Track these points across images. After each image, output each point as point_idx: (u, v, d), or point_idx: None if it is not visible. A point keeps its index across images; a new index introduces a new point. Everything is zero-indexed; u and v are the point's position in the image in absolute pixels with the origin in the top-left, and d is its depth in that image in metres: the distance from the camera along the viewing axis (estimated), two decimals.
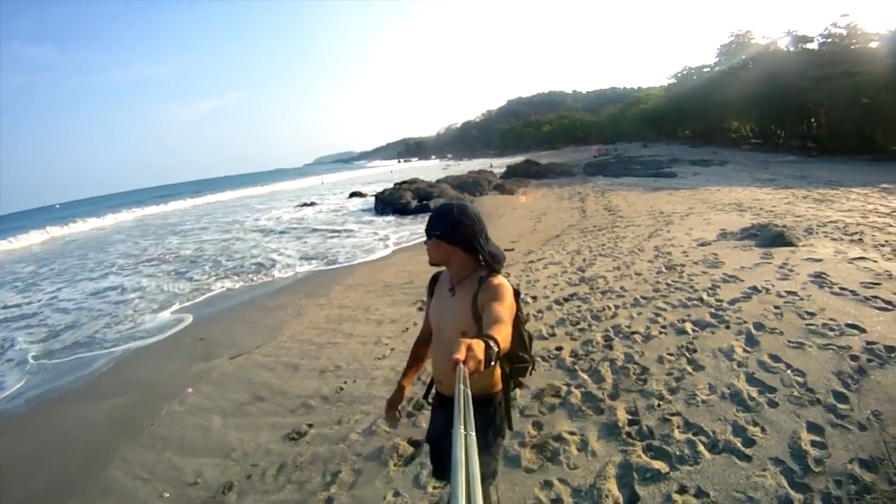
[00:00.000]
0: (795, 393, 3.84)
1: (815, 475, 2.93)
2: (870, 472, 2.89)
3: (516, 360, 2.11)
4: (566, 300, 6.56)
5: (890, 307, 5.27)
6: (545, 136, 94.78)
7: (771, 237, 8.69)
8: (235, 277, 11.08)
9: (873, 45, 30.11)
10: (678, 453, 3.28)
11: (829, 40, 33.54)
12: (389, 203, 20.78)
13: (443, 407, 2.21)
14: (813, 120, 34.43)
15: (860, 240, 8.19)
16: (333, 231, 17.14)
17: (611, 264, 8.24)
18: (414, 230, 15.49)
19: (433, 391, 2.36)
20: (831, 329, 4.87)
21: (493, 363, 1.34)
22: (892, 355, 4.26)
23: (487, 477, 2.11)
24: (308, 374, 5.36)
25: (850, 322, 4.97)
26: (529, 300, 6.70)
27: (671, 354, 4.77)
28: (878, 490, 2.73)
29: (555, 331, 5.57)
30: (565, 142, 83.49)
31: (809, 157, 28.04)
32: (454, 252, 2.03)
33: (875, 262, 6.89)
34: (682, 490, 2.93)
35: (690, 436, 3.45)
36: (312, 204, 29.22)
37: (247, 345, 6.58)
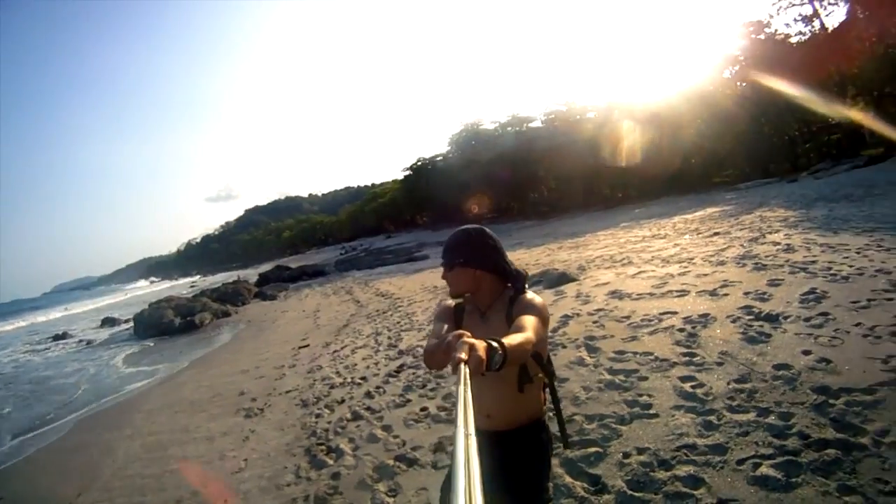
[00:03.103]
0: (654, 365, 4.93)
1: (711, 401, 3.94)
2: (746, 383, 4.11)
3: (551, 374, 2.19)
4: (398, 371, 6.94)
5: (685, 293, 7.10)
6: (287, 241, 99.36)
7: (555, 278, 10.52)
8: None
9: (590, 115, 39.51)
10: (600, 436, 3.91)
11: (552, 116, 43.62)
12: (151, 325, 19.82)
13: (490, 445, 2.03)
14: (543, 187, 42.65)
15: (630, 262, 10.50)
16: (101, 362, 15.31)
17: (420, 335, 8.88)
18: (187, 347, 14.68)
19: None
20: (650, 321, 6.30)
21: (497, 367, 1.44)
22: (707, 317, 5.83)
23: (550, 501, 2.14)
24: None
25: (662, 311, 6.53)
26: (359, 381, 6.90)
27: None
28: (760, 389, 3.94)
29: (407, 396, 5.87)
30: (308, 245, 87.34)
31: (547, 219, 34.18)
32: (482, 277, 2.14)
33: (653, 271, 9.02)
34: (626, 455, 3.55)
35: (598, 423, 4.13)
36: (63, 336, 25.88)
37: (65, 495, 5.49)
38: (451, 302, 2.26)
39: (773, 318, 5.36)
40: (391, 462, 4.38)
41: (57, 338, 26.59)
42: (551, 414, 2.28)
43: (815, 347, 4.46)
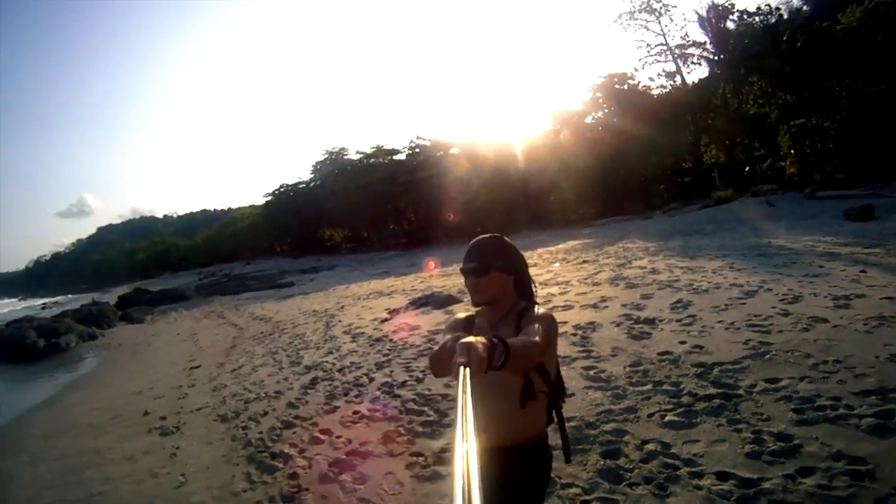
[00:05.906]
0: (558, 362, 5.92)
1: (615, 380, 5.15)
2: (639, 366, 5.38)
3: (559, 393, 2.18)
4: (313, 384, 7.36)
5: (570, 307, 8.55)
6: (140, 264, 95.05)
7: (443, 299, 11.59)
8: None
9: (453, 151, 43.48)
10: None
11: (416, 151, 46.35)
12: (9, 345, 18.31)
13: (485, 461, 1.79)
14: (405, 220, 44.95)
15: None
16: None
17: (321, 352, 9.31)
18: (57, 371, 14.07)
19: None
20: None
21: (499, 363, 1.46)
22: (594, 324, 7.12)
23: None
24: None
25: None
26: (274, 395, 7.26)
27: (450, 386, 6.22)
28: (650, 369, 5.25)
29: (334, 404, 6.32)
30: (161, 270, 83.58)
31: (408, 250, 35.78)
32: (509, 284, 2.16)
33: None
34: None
35: None
36: None
37: None
38: (461, 315, 2.28)
39: (650, 322, 6.82)
40: (345, 456, 4.76)
41: None
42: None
43: (689, 338, 5.91)
